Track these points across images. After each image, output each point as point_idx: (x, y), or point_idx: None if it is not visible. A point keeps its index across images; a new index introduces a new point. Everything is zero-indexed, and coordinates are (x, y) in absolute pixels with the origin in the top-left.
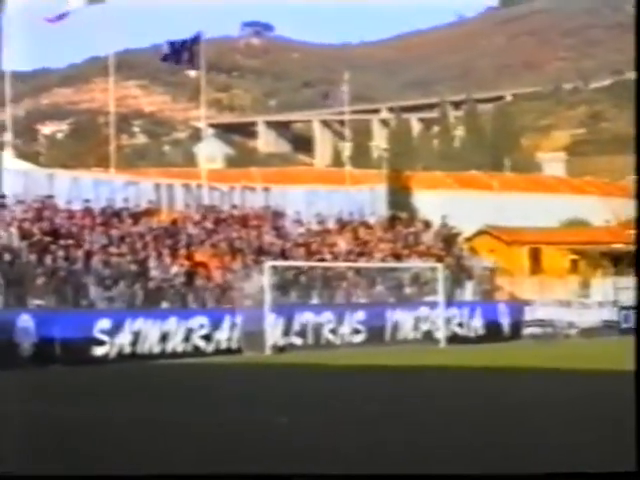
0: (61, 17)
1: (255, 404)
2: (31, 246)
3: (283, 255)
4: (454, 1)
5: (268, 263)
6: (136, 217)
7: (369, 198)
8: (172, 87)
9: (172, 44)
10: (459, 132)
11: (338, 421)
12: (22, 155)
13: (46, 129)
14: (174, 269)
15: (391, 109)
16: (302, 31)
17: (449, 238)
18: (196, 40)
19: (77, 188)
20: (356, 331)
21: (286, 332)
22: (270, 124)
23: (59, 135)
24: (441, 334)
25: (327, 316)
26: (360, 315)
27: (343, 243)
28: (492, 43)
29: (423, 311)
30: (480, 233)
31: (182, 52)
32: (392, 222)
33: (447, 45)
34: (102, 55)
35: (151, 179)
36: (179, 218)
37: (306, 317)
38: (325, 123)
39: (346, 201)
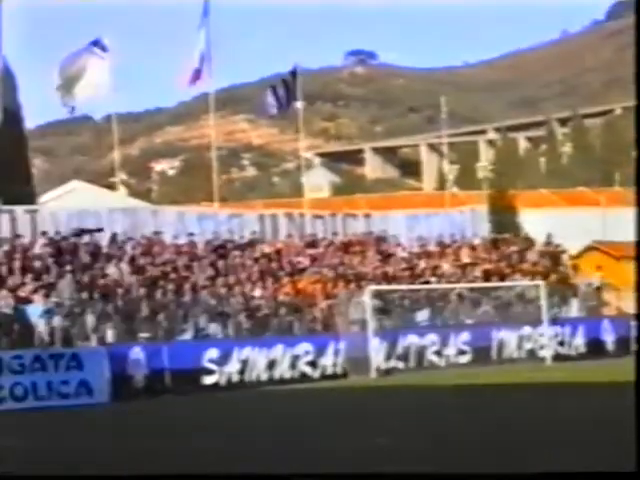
0: (196, 77)
1: (363, 427)
2: (141, 280)
3: (386, 279)
4: (558, 18)
5: (371, 287)
6: (241, 248)
7: (470, 219)
8: (279, 119)
9: (274, 93)
10: (567, 149)
11: (449, 440)
12: (135, 193)
13: (158, 166)
14: (279, 297)
15: (497, 129)
16: (406, 57)
17: (554, 256)
18: (294, 74)
19: (182, 223)
20: (461, 352)
21: (389, 356)
22: (377, 150)
23: (170, 172)
24: (547, 352)
25: (431, 338)
26: (465, 336)
27: (446, 265)
28: (599, 57)
29: (527, 330)
30: (588, 249)
31: (283, 95)
32: (495, 242)
33: (552, 62)
34: (210, 92)
35: (255, 211)
36: (283, 247)
37: (410, 340)
38: (432, 147)
39: (447, 223)
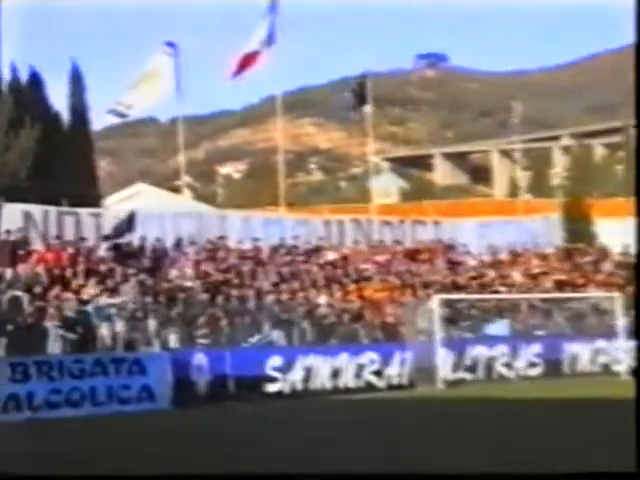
0: (250, 62)
1: (429, 440)
2: (204, 286)
3: (454, 288)
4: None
5: (438, 296)
6: (306, 254)
7: (543, 228)
8: (347, 123)
9: (353, 92)
10: None
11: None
12: (200, 197)
13: (224, 170)
14: (344, 305)
15: (573, 135)
16: (478, 60)
17: (631, 267)
18: (363, 77)
19: (248, 228)
20: (532, 364)
21: (457, 367)
22: (447, 156)
23: (236, 175)
24: (622, 367)
25: (501, 349)
26: (536, 348)
27: (517, 274)
28: None
29: (601, 343)
30: None
31: (353, 99)
32: (568, 251)
33: (629, 66)
34: (277, 94)
35: (321, 216)
36: (349, 254)
37: (478, 351)
38: (504, 152)
39: (519, 232)
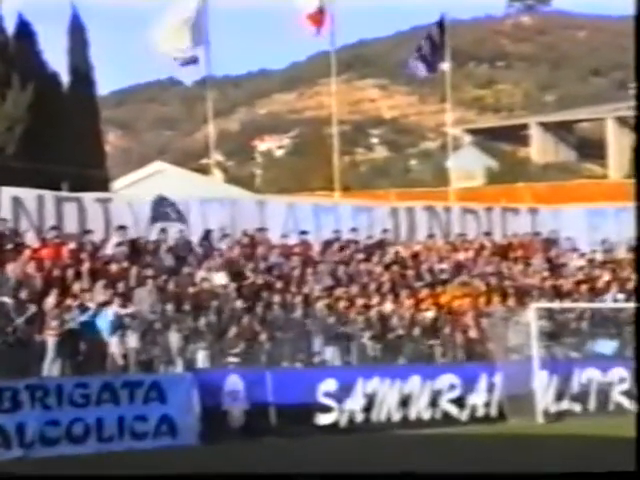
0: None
1: None
2: (240, 290)
3: (557, 295)
4: None
5: (536, 305)
6: (368, 251)
7: None
8: (419, 85)
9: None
10: None
11: None
12: (235, 179)
13: (263, 145)
14: (416, 315)
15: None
16: (588, 2)
17: None
18: (441, 26)
19: (294, 217)
20: None
21: (561, 395)
22: (547, 126)
23: (279, 152)
24: None
25: (619, 373)
26: None
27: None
28: None
29: None
30: None
31: (429, 54)
32: None
33: None
34: (330, 50)
35: (386, 202)
36: (422, 251)
37: (589, 375)
38: (622, 121)
39: None
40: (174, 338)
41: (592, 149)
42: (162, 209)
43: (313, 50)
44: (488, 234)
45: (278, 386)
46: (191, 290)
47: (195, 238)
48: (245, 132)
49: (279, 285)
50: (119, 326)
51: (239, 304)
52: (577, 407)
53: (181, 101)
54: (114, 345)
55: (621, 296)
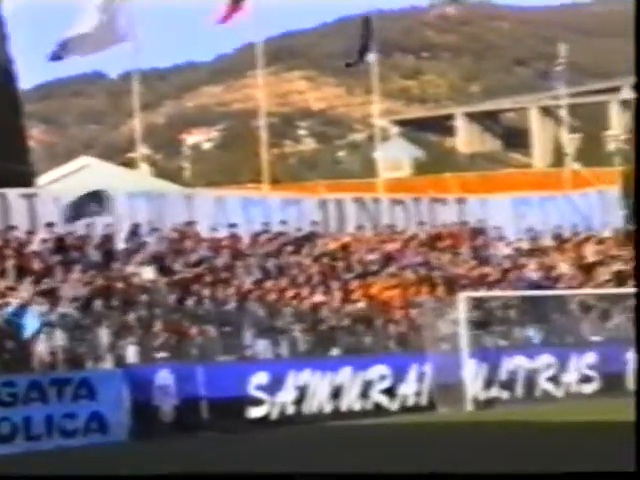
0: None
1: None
2: (169, 285)
3: (485, 283)
4: None
5: (465, 294)
6: (297, 243)
7: (599, 205)
8: (346, 76)
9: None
10: None
11: None
12: (162, 172)
13: (191, 138)
14: (346, 306)
15: (636, 86)
16: None
17: None
18: (367, 18)
19: (223, 211)
20: (586, 379)
21: (489, 382)
22: (473, 116)
23: (207, 145)
24: None
25: (545, 360)
26: (590, 358)
27: (565, 265)
28: None
29: None
30: None
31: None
32: (630, 235)
33: None
34: (257, 42)
35: (315, 195)
36: (351, 242)
37: (517, 362)
38: (545, 111)
39: (567, 210)
40: (103, 334)
41: (517, 138)
42: (86, 206)
43: (240, 42)
44: (418, 224)
45: (209, 380)
46: (119, 285)
47: (123, 233)
48: (173, 125)
49: (209, 279)
50: (46, 323)
51: (169, 298)
52: (505, 394)
53: (107, 94)
54: (41, 343)
55: (547, 283)
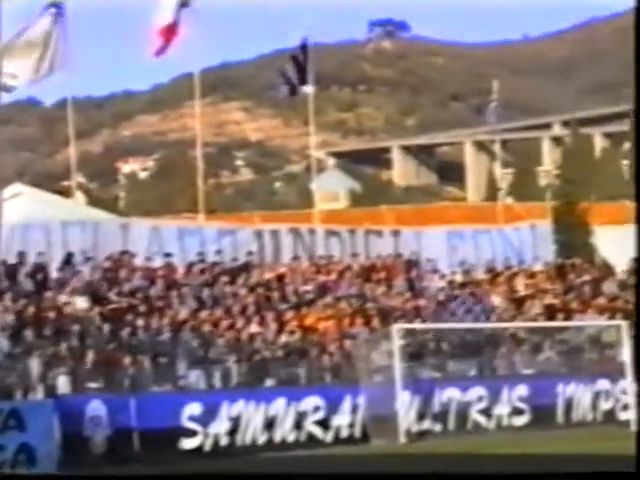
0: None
1: None
2: (103, 314)
3: (418, 316)
4: None
5: (398, 326)
6: (233, 274)
7: (530, 238)
8: (284, 108)
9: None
10: None
11: None
12: (97, 201)
13: (127, 167)
14: (281, 337)
15: (566, 123)
16: (446, 29)
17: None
18: (303, 49)
19: (159, 240)
20: (517, 411)
21: (423, 415)
22: (408, 149)
23: (143, 174)
24: (631, 414)
25: (477, 392)
26: (522, 390)
27: (497, 298)
28: None
29: (603, 384)
30: None
31: (294, 76)
32: (561, 269)
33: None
34: (194, 72)
35: (251, 225)
36: (286, 273)
37: (449, 394)
38: (480, 145)
39: (500, 244)
40: (34, 364)
41: (452, 172)
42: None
43: (177, 72)
44: (353, 256)
45: (142, 411)
46: (51, 315)
47: (56, 262)
48: (108, 154)
49: (143, 308)
50: None
51: (102, 328)
52: (437, 426)
53: (41, 122)
54: None
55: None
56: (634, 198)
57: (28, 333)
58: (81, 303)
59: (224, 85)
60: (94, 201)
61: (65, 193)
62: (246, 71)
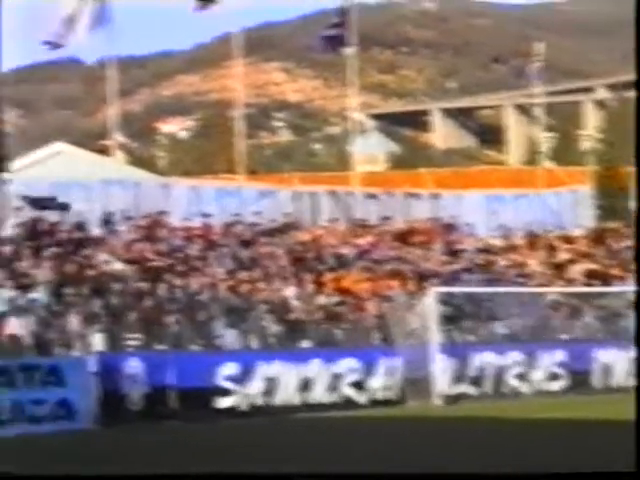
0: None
1: (424, 469)
2: (142, 273)
3: (456, 279)
4: None
5: (436, 289)
6: (271, 234)
7: (570, 203)
8: (324, 69)
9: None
10: None
11: None
12: (137, 160)
13: (167, 127)
14: (318, 299)
15: (610, 86)
16: None
17: None
18: (345, 10)
19: (197, 200)
20: (553, 376)
21: (459, 378)
22: (449, 112)
23: (182, 134)
24: None
25: (514, 357)
26: (559, 355)
27: (535, 262)
28: None
29: None
30: None
31: (334, 35)
32: (601, 234)
33: None
34: (235, 31)
35: (289, 186)
36: (324, 235)
37: (485, 358)
38: (521, 108)
39: (539, 208)
40: (73, 321)
41: (492, 135)
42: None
43: (218, 32)
44: (389, 219)
45: (179, 369)
46: (90, 273)
47: (96, 220)
48: (148, 113)
49: (181, 268)
50: (15, 309)
51: (140, 287)
52: (473, 390)
53: (82, 80)
54: (10, 328)
55: (519, 280)
56: None
57: (68, 290)
58: (120, 262)
59: (265, 45)
60: (134, 160)
61: (105, 152)
62: (287, 32)
